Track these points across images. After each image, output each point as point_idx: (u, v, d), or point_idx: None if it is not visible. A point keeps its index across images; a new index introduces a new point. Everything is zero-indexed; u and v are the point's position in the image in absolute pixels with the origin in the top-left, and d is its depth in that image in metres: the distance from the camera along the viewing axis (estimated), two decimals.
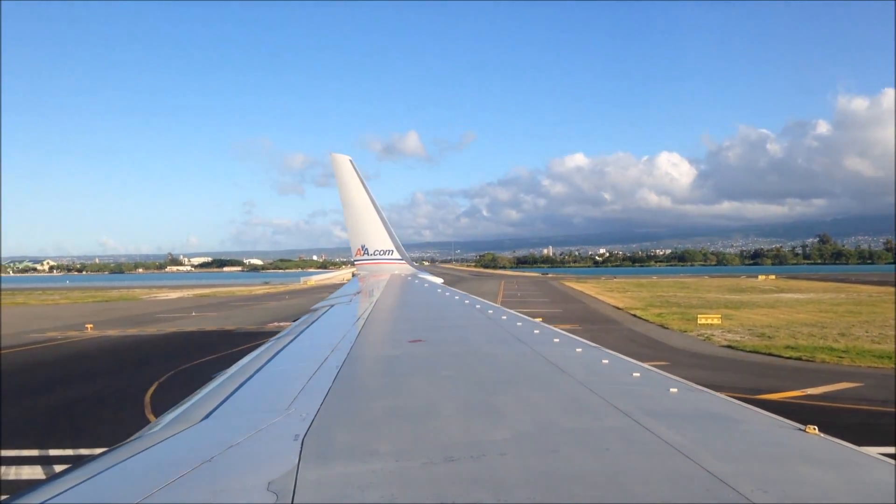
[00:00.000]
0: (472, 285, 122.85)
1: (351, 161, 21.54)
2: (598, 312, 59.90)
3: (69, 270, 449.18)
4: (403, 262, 22.33)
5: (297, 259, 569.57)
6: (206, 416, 4.13)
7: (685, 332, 42.28)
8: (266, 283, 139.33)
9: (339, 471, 2.93)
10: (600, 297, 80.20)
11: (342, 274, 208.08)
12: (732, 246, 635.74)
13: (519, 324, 8.93)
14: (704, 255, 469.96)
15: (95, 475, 3.00)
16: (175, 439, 3.68)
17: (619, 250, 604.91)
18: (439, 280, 20.24)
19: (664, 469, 2.92)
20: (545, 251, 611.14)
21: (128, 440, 3.69)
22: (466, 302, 12.69)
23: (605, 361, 5.91)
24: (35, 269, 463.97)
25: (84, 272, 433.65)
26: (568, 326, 46.37)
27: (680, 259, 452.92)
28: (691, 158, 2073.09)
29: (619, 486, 2.72)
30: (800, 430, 3.60)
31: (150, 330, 47.38)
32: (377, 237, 22.01)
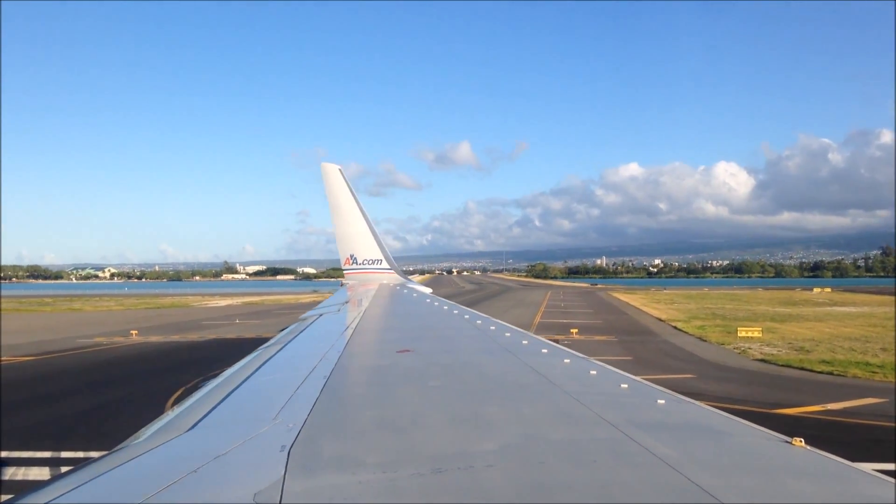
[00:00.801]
0: (518, 295, 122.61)
1: (340, 170, 21.64)
2: (639, 324, 59.20)
3: (129, 278, 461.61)
4: (392, 271, 22.30)
5: None
6: (193, 426, 4.12)
7: (722, 344, 41.59)
8: (314, 292, 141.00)
9: (325, 482, 2.92)
10: (645, 309, 79.22)
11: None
12: (792, 258, 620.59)
13: (507, 334, 8.91)
14: (762, 266, 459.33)
15: (80, 485, 3.00)
16: (161, 449, 3.68)
17: (675, 261, 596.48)
18: (428, 290, 20.15)
19: (651, 481, 2.92)
20: (598, 262, 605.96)
21: (113, 450, 3.70)
22: (455, 312, 12.66)
23: (593, 372, 5.88)
24: (97, 277, 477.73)
25: (143, 279, 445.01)
26: (604, 337, 46.15)
27: (737, 271, 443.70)
28: (750, 168, 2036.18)
29: (606, 498, 2.72)
30: (786, 442, 3.61)
31: (192, 336, 48.50)
32: (366, 246, 22.04)
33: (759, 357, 35.52)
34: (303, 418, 4.02)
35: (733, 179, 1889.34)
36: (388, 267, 22.22)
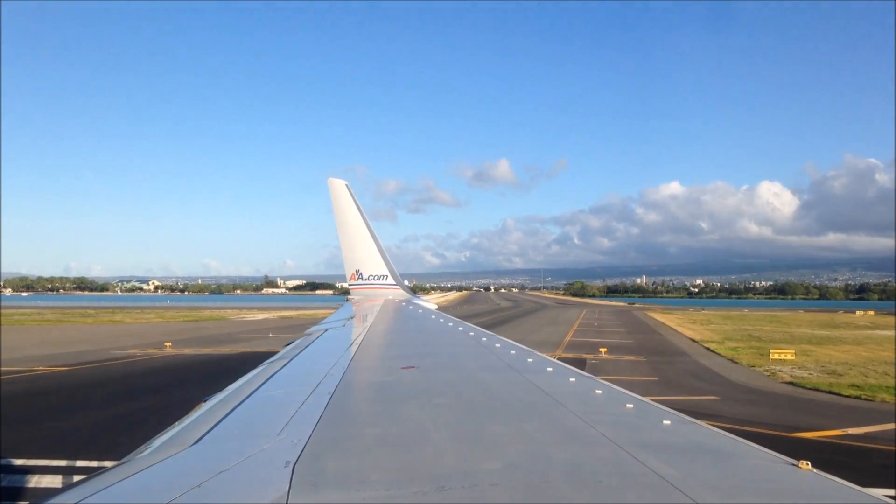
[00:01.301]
0: (553, 313, 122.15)
1: (347, 186, 21.70)
2: (671, 344, 58.64)
3: (172, 290, 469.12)
4: (398, 287, 22.26)
5: None
6: (197, 441, 4.10)
7: (753, 367, 41.05)
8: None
9: (329, 498, 2.91)
10: (679, 329, 78.41)
11: (429, 299, 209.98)
12: (837, 280, 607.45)
13: (513, 352, 8.76)
14: (806, 288, 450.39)
15: (83, 499, 3.00)
16: (164, 464, 3.65)
17: (717, 281, 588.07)
18: (433, 306, 20.12)
19: (656, 502, 2.90)
20: (638, 280, 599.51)
21: (116, 464, 3.70)
22: (460, 329, 12.49)
23: (599, 392, 5.79)
24: (141, 289, 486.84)
25: (186, 292, 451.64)
26: (633, 357, 45.83)
27: (780, 292, 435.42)
28: (794, 188, 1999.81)
29: None
30: (793, 465, 3.56)
31: (223, 349, 49.22)
32: (372, 262, 22.04)
33: (789, 380, 35.00)
34: (308, 434, 4.00)
35: (777, 199, 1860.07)
36: (394, 282, 22.25)
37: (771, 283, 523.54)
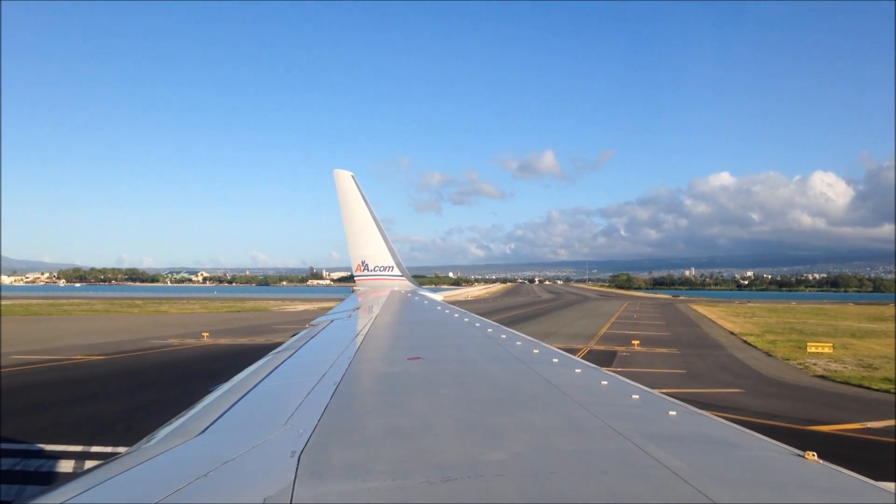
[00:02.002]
0: (593, 305, 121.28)
1: (353, 177, 21.66)
2: (708, 337, 57.86)
3: (220, 282, 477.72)
4: (403, 278, 22.20)
5: (433, 275, 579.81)
6: (203, 431, 4.09)
7: (788, 360, 40.37)
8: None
9: (335, 488, 2.88)
10: (720, 322, 77.34)
11: (471, 290, 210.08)
12: (892, 272, 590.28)
13: (518, 343, 8.69)
14: (860, 280, 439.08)
15: (90, 488, 3.01)
16: (170, 454, 3.65)
17: (768, 273, 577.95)
18: (439, 297, 20.02)
19: (661, 493, 2.86)
20: (686, 273, 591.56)
21: (122, 454, 3.69)
22: (466, 320, 12.35)
23: (605, 383, 5.75)
24: (190, 280, 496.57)
25: (233, 284, 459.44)
26: (666, 350, 45.40)
27: (833, 284, 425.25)
28: (848, 178, 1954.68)
29: None
30: (799, 455, 3.54)
31: (259, 340, 49.98)
32: (377, 253, 21.99)
33: (820, 373, 34.41)
34: (313, 424, 3.98)
35: (831, 190, 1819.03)
36: (400, 274, 22.21)
37: (824, 275, 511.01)
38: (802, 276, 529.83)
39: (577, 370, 6.42)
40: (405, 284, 21.86)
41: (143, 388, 28.37)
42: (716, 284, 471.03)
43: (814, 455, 3.43)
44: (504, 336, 9.50)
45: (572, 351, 41.46)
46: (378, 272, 21.95)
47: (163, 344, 46.80)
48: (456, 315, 13.53)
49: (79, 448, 18.18)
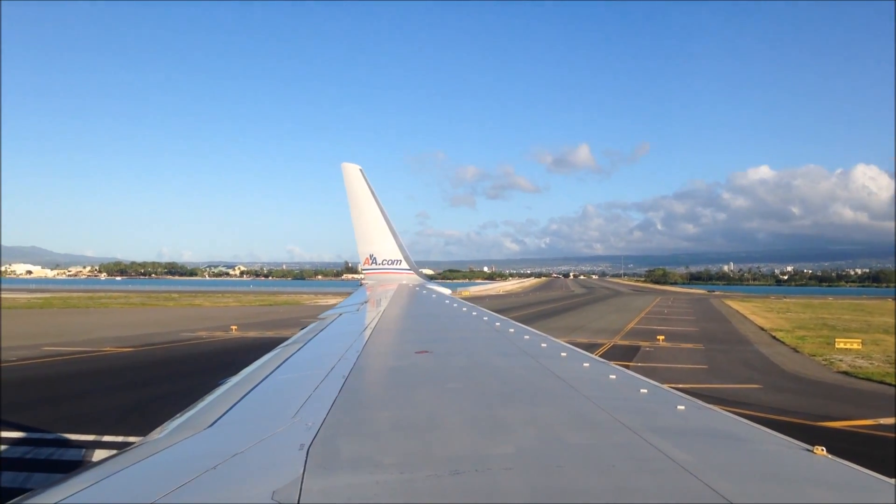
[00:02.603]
0: (624, 300, 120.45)
1: (361, 170, 21.70)
2: (736, 333, 57.27)
3: (257, 275, 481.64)
4: (411, 271, 22.24)
5: (467, 270, 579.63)
6: (212, 424, 4.15)
7: (814, 356, 39.94)
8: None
9: (344, 481, 2.91)
10: (752, 317, 76.46)
11: (504, 285, 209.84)
12: None
13: (526, 337, 8.69)
14: None
15: (99, 480, 3.06)
16: (180, 446, 3.71)
17: (808, 268, 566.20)
18: (447, 291, 20.00)
19: (670, 487, 2.87)
20: (725, 268, 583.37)
21: (132, 446, 3.79)
22: (474, 314, 12.37)
23: (613, 377, 5.77)
24: (227, 274, 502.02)
25: (269, 277, 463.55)
26: (691, 345, 45.08)
27: (874, 280, 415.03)
28: (891, 172, 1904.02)
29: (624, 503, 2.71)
30: (808, 450, 3.53)
31: (286, 333, 50.30)
32: (385, 247, 22.04)
33: (844, 369, 34.07)
34: (322, 417, 4.01)
35: (873, 183, 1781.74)
36: (408, 267, 22.27)
37: (866, 270, 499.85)
38: (843, 271, 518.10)
39: (586, 364, 6.43)
40: (413, 278, 21.89)
41: (161, 381, 28.93)
42: (754, 279, 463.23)
43: (823, 450, 3.43)
44: (512, 330, 9.52)
45: (596, 346, 41.72)
46: (386, 266, 22.06)
47: (192, 337, 47.70)
48: (464, 309, 13.52)
49: (91, 437, 18.74)
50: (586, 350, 7.59)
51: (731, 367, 35.05)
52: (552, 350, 7.48)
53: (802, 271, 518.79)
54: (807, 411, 22.84)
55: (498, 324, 10.44)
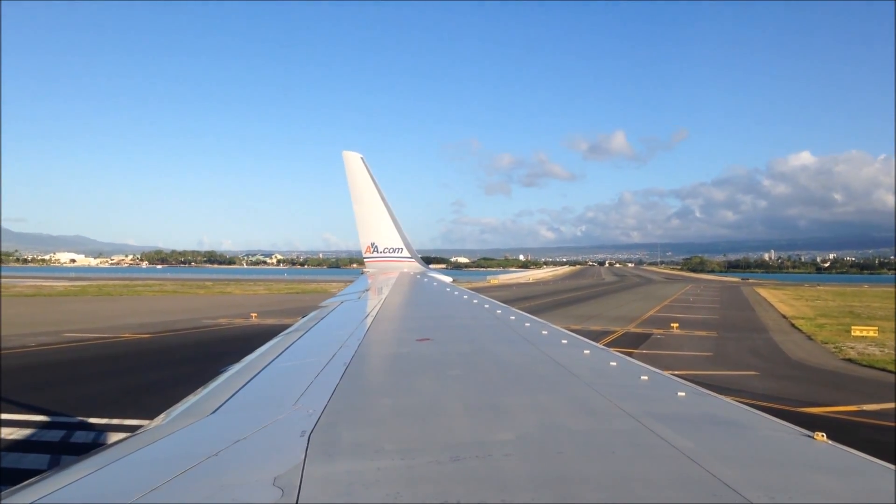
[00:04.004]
0: (652, 288, 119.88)
1: (362, 159, 21.73)
2: (756, 321, 56.92)
3: (293, 264, 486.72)
4: (413, 260, 22.25)
5: (502, 258, 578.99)
6: (214, 411, 4.20)
7: (825, 343, 39.77)
8: (452, 281, 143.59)
9: (345, 467, 2.93)
10: (777, 305, 75.90)
11: (534, 273, 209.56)
12: None
13: (527, 324, 8.79)
14: None
15: (103, 467, 3.10)
16: (182, 433, 3.76)
17: (852, 256, 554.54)
18: (448, 279, 20.17)
19: (670, 472, 2.88)
20: (765, 256, 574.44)
21: (135, 433, 3.83)
22: (475, 301, 12.49)
23: (613, 364, 5.81)
24: (265, 262, 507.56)
25: (305, 266, 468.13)
26: (705, 333, 45.02)
27: None
28: None
29: (624, 489, 2.69)
30: (808, 436, 3.55)
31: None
32: (387, 235, 22.07)
33: (850, 357, 33.88)
34: (323, 404, 4.06)
35: None
36: (409, 255, 22.30)
37: None
38: (887, 258, 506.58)
39: (586, 351, 6.49)
40: (414, 266, 21.95)
41: (162, 366, 29.61)
42: (794, 267, 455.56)
43: (823, 436, 3.46)
44: (513, 318, 9.61)
45: (607, 333, 41.98)
46: (387, 254, 22.08)
47: (212, 323, 48.74)
48: (465, 296, 13.63)
49: (63, 420, 19.51)
50: (597, 337, 7.73)
51: (736, 355, 35.00)
52: (553, 337, 7.57)
53: (844, 259, 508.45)
54: (793, 397, 22.88)
55: (499, 311, 10.55)
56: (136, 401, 21.81)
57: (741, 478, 2.75)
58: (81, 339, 38.21)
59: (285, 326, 9.72)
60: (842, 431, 18.23)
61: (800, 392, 24.43)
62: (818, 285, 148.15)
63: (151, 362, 31.03)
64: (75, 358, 31.98)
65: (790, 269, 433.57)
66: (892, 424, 19.26)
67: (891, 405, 21.74)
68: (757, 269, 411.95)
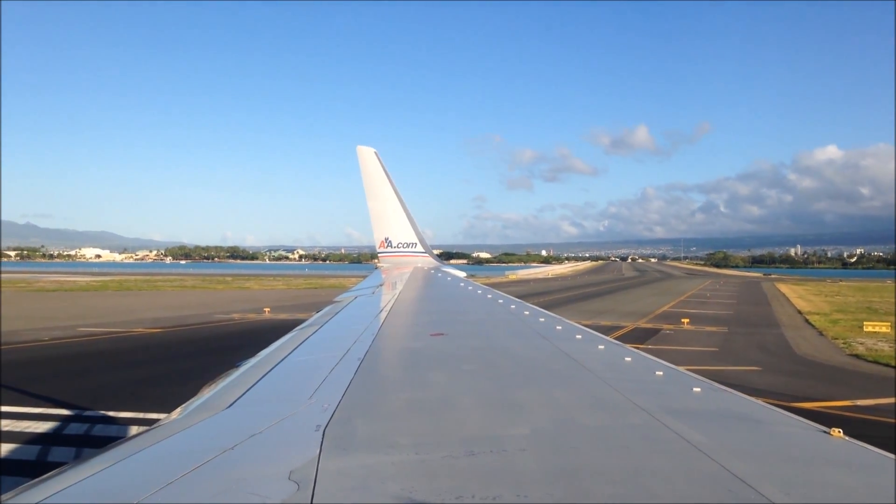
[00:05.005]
0: (670, 284, 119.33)
1: (376, 153, 21.65)
2: (769, 316, 56.60)
3: (314, 259, 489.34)
4: (426, 254, 22.11)
5: (524, 253, 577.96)
6: (230, 405, 4.21)
7: (836, 339, 39.47)
8: (470, 277, 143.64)
9: (359, 462, 2.93)
10: (795, 301, 75.33)
11: (554, 268, 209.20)
12: None
13: (542, 319, 8.74)
14: None
15: (120, 461, 3.11)
16: (198, 427, 3.77)
17: (879, 251, 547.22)
18: (462, 274, 20.05)
19: (685, 468, 2.86)
20: (792, 251, 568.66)
21: (153, 427, 3.84)
22: (489, 296, 12.42)
23: (628, 359, 5.76)
24: (287, 258, 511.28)
25: (327, 261, 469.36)
26: (715, 328, 44.88)
27: None
28: None
29: (639, 485, 2.66)
30: (824, 432, 3.53)
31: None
32: (401, 229, 21.94)
33: (857, 352, 33.69)
34: (338, 398, 4.06)
35: None
36: (423, 250, 22.16)
37: None
38: None
39: (601, 346, 6.45)
40: (428, 261, 21.87)
41: (166, 360, 30.05)
42: (819, 262, 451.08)
43: (839, 431, 3.43)
44: (527, 313, 9.57)
45: (617, 328, 41.98)
46: (401, 249, 21.97)
47: (224, 318, 49.21)
48: (479, 291, 13.64)
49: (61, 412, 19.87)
50: (606, 333, 7.47)
51: (743, 350, 34.85)
52: (567, 332, 7.51)
53: (871, 254, 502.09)
54: (789, 392, 22.78)
55: (513, 306, 10.52)
56: (134, 393, 22.22)
57: (757, 473, 2.73)
58: (94, 334, 38.82)
59: (296, 321, 9.81)
60: (830, 426, 18.18)
61: (797, 387, 24.34)
62: (840, 281, 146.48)
63: (156, 356, 31.49)
64: (83, 352, 32.54)
65: (816, 265, 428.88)
66: (885, 419, 19.13)
67: (884, 400, 21.63)
68: (782, 265, 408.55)
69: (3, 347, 32.35)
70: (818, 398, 22.08)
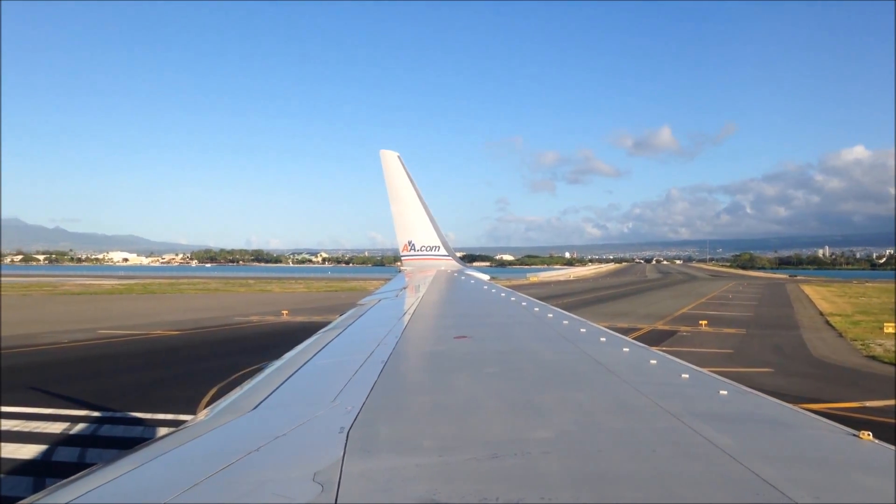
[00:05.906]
0: (691, 286, 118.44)
1: (399, 157, 21.70)
2: (790, 318, 56.00)
3: (338, 262, 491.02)
4: (450, 258, 22.08)
5: (547, 256, 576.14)
6: (255, 407, 4.27)
7: (854, 340, 39.12)
8: (493, 279, 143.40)
9: (383, 464, 2.94)
10: (818, 302, 74.44)
11: (576, 271, 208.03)
12: None
13: (565, 322, 8.63)
14: None
15: (148, 462, 3.17)
16: (224, 429, 3.83)
17: None
18: (485, 276, 19.99)
19: (712, 472, 2.82)
20: (819, 252, 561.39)
21: (179, 428, 3.91)
22: (513, 299, 12.32)
23: (653, 362, 5.71)
24: (310, 261, 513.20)
25: (350, 264, 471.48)
26: (733, 331, 44.59)
27: None
28: None
29: (665, 489, 2.62)
30: (853, 435, 3.45)
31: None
32: (424, 233, 21.91)
33: (874, 354, 33.39)
34: (361, 401, 4.07)
35: None
36: (446, 253, 22.12)
37: None
38: None
39: (625, 349, 6.40)
40: (451, 264, 21.85)
41: (180, 363, 30.44)
42: (847, 264, 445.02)
43: (869, 434, 3.35)
44: (551, 315, 9.52)
45: (634, 330, 41.82)
46: (424, 252, 21.96)
47: (243, 321, 49.72)
48: (502, 294, 13.60)
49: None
50: (622, 334, 7.60)
51: (758, 352, 34.60)
52: (591, 335, 7.43)
53: None
54: (799, 394, 22.57)
55: (536, 309, 10.47)
56: (143, 395, 22.52)
57: (785, 477, 2.68)
58: (113, 336, 39.41)
59: (314, 324, 9.90)
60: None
61: (808, 389, 24.18)
62: (867, 282, 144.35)
63: (170, 359, 31.90)
64: (99, 354, 33.09)
65: (844, 266, 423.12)
66: (889, 420, 18.98)
67: (893, 402, 21.41)
68: (810, 266, 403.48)
69: (21, 350, 33.09)
70: (827, 399, 21.91)
